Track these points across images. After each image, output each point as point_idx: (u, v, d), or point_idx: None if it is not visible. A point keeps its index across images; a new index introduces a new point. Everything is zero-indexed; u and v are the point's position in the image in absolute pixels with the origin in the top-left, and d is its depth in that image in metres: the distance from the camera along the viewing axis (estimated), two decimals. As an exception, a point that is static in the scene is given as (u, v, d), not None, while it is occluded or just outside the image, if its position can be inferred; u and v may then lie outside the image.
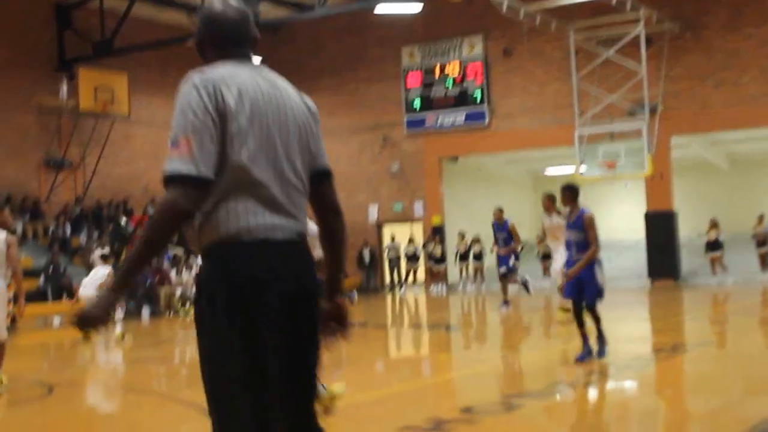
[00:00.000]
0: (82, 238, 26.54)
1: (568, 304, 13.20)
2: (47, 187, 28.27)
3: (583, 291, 10.20)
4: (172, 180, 3.05)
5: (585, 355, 10.19)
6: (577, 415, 8.18)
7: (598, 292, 10.20)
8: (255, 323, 3.13)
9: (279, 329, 3.16)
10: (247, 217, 3.16)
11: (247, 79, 3.23)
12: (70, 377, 11.57)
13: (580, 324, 10.29)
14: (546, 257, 28.60)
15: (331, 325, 3.54)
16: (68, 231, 26.66)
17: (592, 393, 9.11)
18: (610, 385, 9.38)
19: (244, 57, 3.36)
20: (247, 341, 3.12)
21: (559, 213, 14.60)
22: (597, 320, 10.35)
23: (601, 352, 10.27)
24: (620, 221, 33.07)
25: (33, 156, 28.05)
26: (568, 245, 10.47)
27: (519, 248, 18.87)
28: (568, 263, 10.49)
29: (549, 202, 14.97)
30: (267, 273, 3.16)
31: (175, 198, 3.03)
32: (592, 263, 10.15)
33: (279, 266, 3.19)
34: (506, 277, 18.77)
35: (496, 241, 18.88)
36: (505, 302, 19.11)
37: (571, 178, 28.84)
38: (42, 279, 23.58)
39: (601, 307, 10.34)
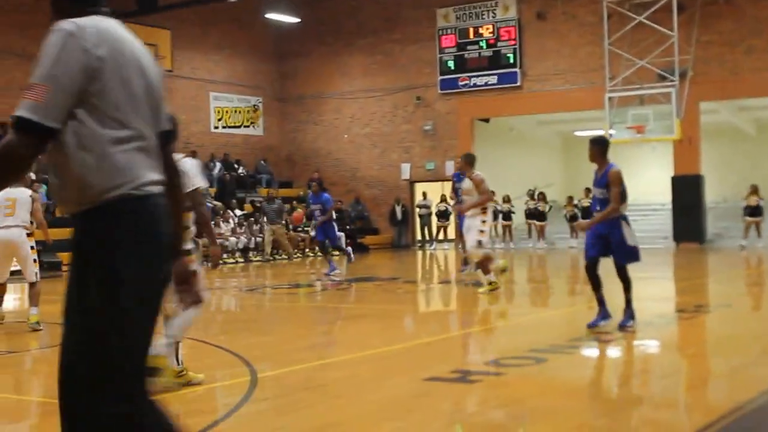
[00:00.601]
0: None
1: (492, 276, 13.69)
2: (91, 138, 28.40)
3: (612, 251, 9.34)
4: (18, 124, 2.91)
5: (599, 320, 9.44)
6: (601, 369, 8.17)
7: (631, 252, 9.36)
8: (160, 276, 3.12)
9: (163, 280, 3.15)
10: (144, 171, 3.08)
11: (115, 33, 3.11)
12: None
13: (596, 285, 9.48)
14: (573, 218, 28.54)
15: (180, 288, 3.51)
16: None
17: (615, 348, 9.07)
18: (633, 341, 9.33)
19: (105, 11, 3.22)
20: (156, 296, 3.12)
21: (472, 175, 13.74)
22: (626, 286, 9.46)
23: (625, 322, 9.46)
24: (647, 184, 32.79)
25: (78, 108, 28.16)
26: (594, 203, 9.70)
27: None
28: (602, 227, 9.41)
29: (464, 163, 14.21)
30: (168, 229, 3.14)
31: (16, 144, 2.89)
32: (618, 221, 9.29)
33: (168, 224, 3.16)
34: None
35: (456, 195, 17.37)
36: (465, 263, 17.70)
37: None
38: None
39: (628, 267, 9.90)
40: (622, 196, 9.31)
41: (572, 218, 28.87)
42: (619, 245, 9.34)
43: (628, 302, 9.52)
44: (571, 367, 7.94)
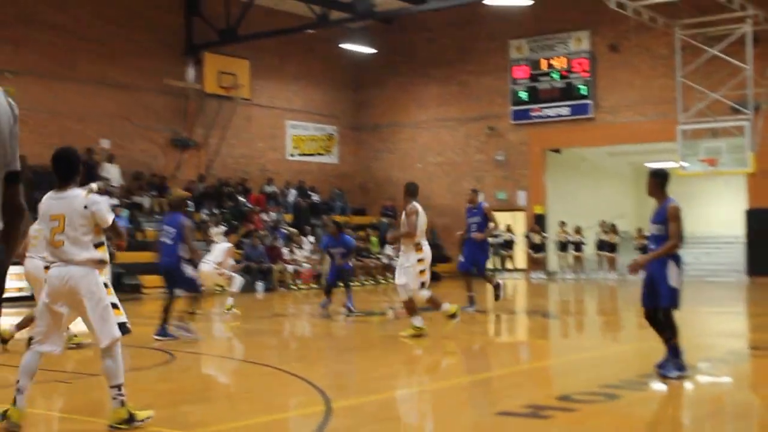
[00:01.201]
0: (203, 214, 27.09)
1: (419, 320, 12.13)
2: (173, 165, 28.96)
3: (657, 294, 8.51)
4: None
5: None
6: (674, 408, 8.02)
7: (671, 294, 8.43)
8: None
9: None
10: None
11: None
12: (189, 346, 11.86)
13: (660, 331, 8.71)
14: (643, 250, 28.15)
15: None
16: (191, 207, 27.23)
17: (687, 386, 8.91)
18: (705, 379, 9.16)
19: None
20: None
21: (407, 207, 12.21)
22: (671, 330, 8.58)
23: (666, 372, 8.54)
24: (719, 217, 32.27)
25: (161, 135, 28.76)
26: (650, 240, 8.82)
27: (493, 229, 16.69)
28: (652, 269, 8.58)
29: (407, 194, 12.43)
30: None
31: None
32: (668, 260, 8.46)
33: None
34: (469, 272, 16.45)
35: (468, 228, 16.31)
36: (470, 300, 16.38)
37: (672, 171, 28.26)
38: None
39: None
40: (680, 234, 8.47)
41: (642, 250, 28.50)
42: (660, 284, 8.47)
43: (672, 347, 8.59)
44: (644, 404, 7.82)
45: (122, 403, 6.28)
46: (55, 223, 6.37)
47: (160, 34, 28.56)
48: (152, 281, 23.05)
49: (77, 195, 6.44)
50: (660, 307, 8.52)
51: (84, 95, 26.60)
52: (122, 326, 8.09)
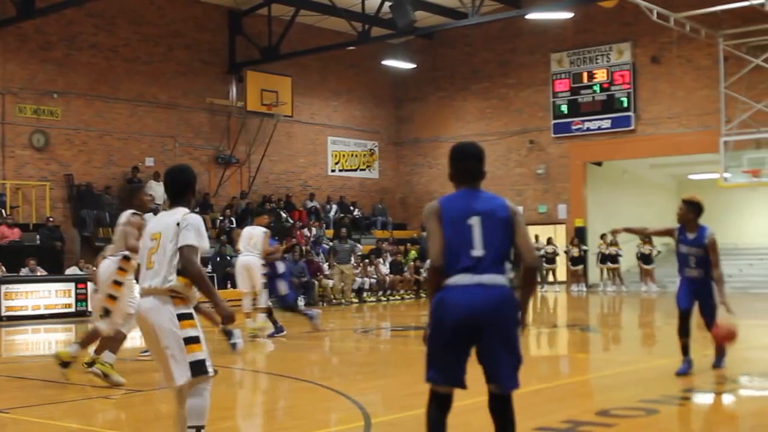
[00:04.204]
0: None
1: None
2: (216, 181, 29.25)
3: (700, 304, 9.70)
4: None
5: (686, 368, 9.76)
6: (714, 424, 7.97)
7: (713, 309, 9.62)
8: None
9: None
10: None
11: None
12: (231, 361, 11.98)
13: (685, 333, 9.82)
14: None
15: None
16: (234, 223, 27.50)
17: (728, 400, 8.86)
18: (746, 392, 9.09)
19: None
20: None
21: None
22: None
23: (719, 363, 9.83)
24: (760, 228, 31.92)
25: (204, 152, 29.08)
26: (685, 260, 9.75)
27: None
28: (685, 279, 9.80)
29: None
30: None
31: None
32: (710, 281, 9.60)
33: None
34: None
35: None
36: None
37: (716, 182, 28.04)
38: (210, 267, 24.41)
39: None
40: None
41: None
42: (708, 300, 9.58)
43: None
44: (683, 419, 7.78)
45: None
46: None
47: (204, 54, 28.92)
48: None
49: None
50: (708, 319, 9.56)
51: (128, 114, 27.01)
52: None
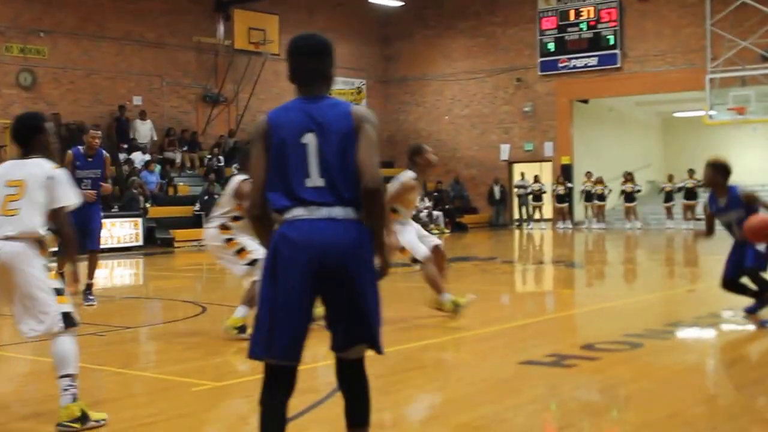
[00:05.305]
0: (234, 168, 27.16)
1: None
2: (204, 120, 29.02)
3: (744, 257, 8.57)
4: None
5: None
6: (697, 356, 7.99)
7: (758, 257, 8.55)
8: None
9: None
10: None
11: None
12: (221, 297, 11.96)
13: (744, 293, 8.78)
14: (668, 198, 28.29)
15: None
16: (222, 162, 27.34)
17: (711, 333, 8.89)
18: (728, 327, 9.12)
19: None
20: None
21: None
22: (761, 286, 8.69)
23: (754, 309, 8.72)
24: (746, 165, 31.93)
25: (192, 91, 28.81)
26: (730, 227, 8.79)
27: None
28: (738, 245, 8.73)
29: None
30: None
31: None
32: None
33: None
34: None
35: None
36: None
37: (701, 120, 27.97)
38: (197, 205, 24.32)
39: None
40: None
41: (667, 198, 28.50)
42: (747, 249, 8.55)
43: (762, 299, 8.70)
44: (667, 352, 7.80)
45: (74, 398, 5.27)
46: None
47: (190, -9, 28.49)
48: (184, 235, 23.27)
49: None
50: (746, 268, 8.57)
51: (115, 53, 26.67)
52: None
